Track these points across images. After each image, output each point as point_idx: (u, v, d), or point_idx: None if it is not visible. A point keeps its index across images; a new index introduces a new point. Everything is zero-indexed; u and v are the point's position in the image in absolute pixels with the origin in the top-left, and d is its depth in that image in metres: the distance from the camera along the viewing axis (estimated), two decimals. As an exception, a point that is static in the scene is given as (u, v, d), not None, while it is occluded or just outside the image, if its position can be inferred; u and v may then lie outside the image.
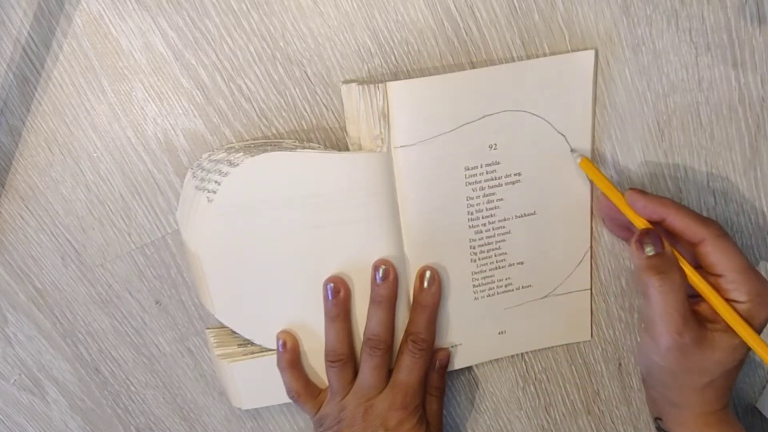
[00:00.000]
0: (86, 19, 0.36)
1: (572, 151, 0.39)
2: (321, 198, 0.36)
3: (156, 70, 0.37)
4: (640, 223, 0.36)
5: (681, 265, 0.35)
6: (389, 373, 0.40)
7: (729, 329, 0.34)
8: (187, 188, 0.38)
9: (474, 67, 0.38)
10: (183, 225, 0.38)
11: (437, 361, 0.42)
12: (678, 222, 0.35)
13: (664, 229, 0.36)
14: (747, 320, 0.34)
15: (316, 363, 0.41)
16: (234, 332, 0.41)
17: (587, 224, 0.42)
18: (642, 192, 0.36)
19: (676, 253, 0.35)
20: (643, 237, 0.35)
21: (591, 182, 0.40)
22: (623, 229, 0.40)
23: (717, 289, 0.34)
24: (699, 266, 0.36)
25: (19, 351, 0.43)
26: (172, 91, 0.38)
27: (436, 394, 0.43)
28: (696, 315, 0.35)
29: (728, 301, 0.34)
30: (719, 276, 0.34)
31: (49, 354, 0.43)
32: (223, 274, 0.38)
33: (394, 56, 0.38)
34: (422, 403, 0.41)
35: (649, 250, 0.34)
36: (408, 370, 0.40)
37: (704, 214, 0.42)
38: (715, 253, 0.34)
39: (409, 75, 0.38)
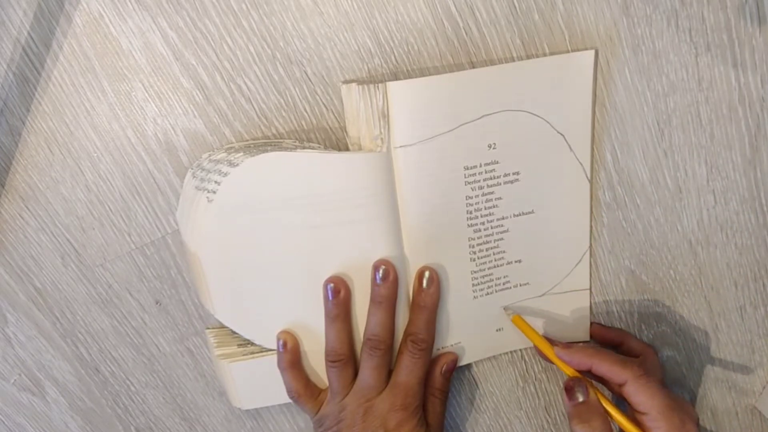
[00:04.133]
0: (86, 19, 0.36)
1: (505, 308, 0.43)
2: (321, 198, 0.36)
3: (156, 70, 0.37)
4: (569, 372, 0.39)
5: (607, 408, 0.37)
6: (389, 373, 0.40)
7: None
8: (187, 188, 0.38)
9: (474, 67, 0.38)
10: (183, 225, 0.38)
11: (444, 365, 0.43)
12: (602, 368, 0.38)
13: (593, 375, 0.39)
14: None
15: (317, 363, 0.41)
16: (234, 332, 0.41)
17: (586, 224, 0.42)
18: (566, 346, 0.40)
19: (601, 397, 0.38)
20: (571, 385, 0.38)
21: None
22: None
23: (642, 426, 0.37)
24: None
25: (19, 351, 0.43)
26: (172, 91, 0.38)
27: (439, 396, 0.43)
28: None
29: None
30: (644, 414, 0.37)
31: (49, 354, 0.43)
32: (223, 274, 0.38)
33: (394, 56, 0.38)
34: (422, 404, 0.41)
35: (578, 396, 0.37)
36: (408, 370, 0.40)
37: (704, 214, 0.42)
38: (637, 394, 0.37)
39: (409, 75, 0.38)
